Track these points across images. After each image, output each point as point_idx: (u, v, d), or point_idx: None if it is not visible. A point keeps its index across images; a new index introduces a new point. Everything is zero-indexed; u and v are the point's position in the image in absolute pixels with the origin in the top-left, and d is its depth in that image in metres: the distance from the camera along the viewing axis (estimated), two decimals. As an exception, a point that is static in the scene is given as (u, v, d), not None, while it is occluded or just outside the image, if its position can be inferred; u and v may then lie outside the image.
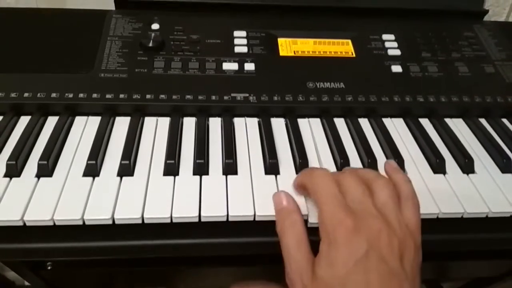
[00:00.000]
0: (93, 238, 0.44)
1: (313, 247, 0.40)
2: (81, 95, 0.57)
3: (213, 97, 0.59)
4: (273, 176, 0.50)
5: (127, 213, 0.44)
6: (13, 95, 0.56)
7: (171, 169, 0.50)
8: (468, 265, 0.73)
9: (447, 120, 0.62)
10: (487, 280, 0.86)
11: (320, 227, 0.40)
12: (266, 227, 0.46)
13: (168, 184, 0.48)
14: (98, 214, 0.44)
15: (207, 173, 0.50)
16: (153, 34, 0.64)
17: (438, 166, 0.53)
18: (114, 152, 0.52)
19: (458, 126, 0.62)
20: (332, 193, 0.40)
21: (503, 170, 0.55)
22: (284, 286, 0.41)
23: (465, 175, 0.53)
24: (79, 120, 0.57)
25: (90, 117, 0.58)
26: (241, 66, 0.63)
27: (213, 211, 0.45)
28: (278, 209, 0.45)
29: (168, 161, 0.50)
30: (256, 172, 0.51)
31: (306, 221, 0.45)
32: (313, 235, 0.41)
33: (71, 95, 0.57)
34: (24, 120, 0.56)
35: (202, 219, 0.45)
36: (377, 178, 0.42)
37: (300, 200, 0.47)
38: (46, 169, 0.49)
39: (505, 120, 0.64)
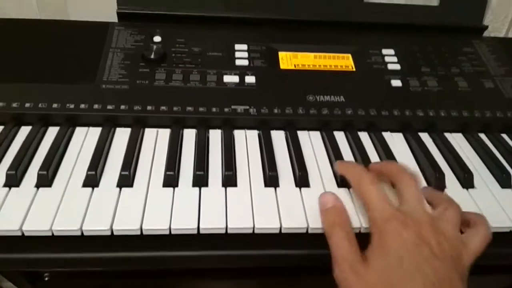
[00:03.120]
0: (91, 249, 0.44)
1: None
2: (82, 106, 0.57)
3: (214, 109, 0.59)
4: (272, 189, 0.50)
5: (126, 224, 0.44)
6: (14, 105, 0.56)
7: (171, 180, 0.50)
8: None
9: (447, 134, 0.62)
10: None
11: (370, 222, 0.42)
12: (265, 240, 0.46)
13: (168, 195, 0.48)
14: (96, 225, 0.44)
15: (206, 185, 0.50)
16: (155, 46, 0.65)
17: (437, 181, 0.53)
18: (114, 163, 0.52)
19: (457, 140, 0.62)
20: (379, 195, 0.43)
21: (503, 185, 0.55)
22: None
23: (465, 189, 0.53)
24: (79, 131, 0.57)
25: (91, 128, 0.58)
26: (242, 79, 0.63)
27: (212, 223, 0.45)
28: (325, 209, 0.45)
29: (167, 173, 0.50)
30: (256, 185, 0.51)
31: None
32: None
33: (72, 106, 0.57)
34: (24, 130, 0.56)
35: (201, 231, 0.45)
36: (451, 203, 0.45)
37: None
38: (45, 179, 0.49)
39: (504, 135, 0.64)
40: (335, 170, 0.52)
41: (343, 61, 0.68)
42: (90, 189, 0.48)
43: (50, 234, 0.44)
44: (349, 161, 0.55)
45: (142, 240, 0.45)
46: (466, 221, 0.45)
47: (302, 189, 0.51)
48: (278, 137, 0.59)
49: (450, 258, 0.38)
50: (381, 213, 0.41)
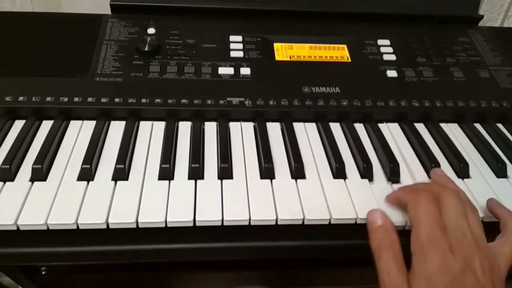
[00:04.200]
0: (87, 242, 0.44)
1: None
2: (76, 99, 0.57)
3: (209, 102, 0.59)
4: (268, 181, 0.50)
5: (122, 218, 0.44)
6: (7, 98, 0.56)
7: (166, 173, 0.50)
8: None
9: (442, 125, 0.62)
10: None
11: (414, 242, 0.40)
12: (262, 232, 0.46)
13: (163, 188, 0.48)
14: (92, 218, 0.44)
15: (202, 178, 0.50)
16: (149, 39, 0.65)
17: (433, 171, 0.53)
18: (109, 157, 0.52)
19: (453, 131, 0.62)
20: (432, 214, 0.41)
21: (498, 175, 0.55)
22: None
23: (460, 180, 0.53)
24: (74, 124, 0.57)
25: (85, 121, 0.57)
26: (237, 71, 0.63)
27: (208, 216, 0.45)
28: (374, 227, 0.44)
29: (163, 166, 0.50)
30: (252, 177, 0.51)
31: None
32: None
33: (66, 99, 0.57)
34: (18, 124, 0.56)
35: (197, 224, 0.45)
36: (468, 205, 0.43)
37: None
38: (40, 173, 0.48)
39: (500, 125, 0.64)
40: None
41: (339, 52, 0.68)
42: (85, 182, 0.48)
43: (45, 228, 0.44)
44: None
45: (138, 233, 0.45)
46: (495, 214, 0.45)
47: (298, 180, 0.51)
48: (274, 129, 0.59)
49: (491, 281, 0.38)
50: (428, 234, 0.40)
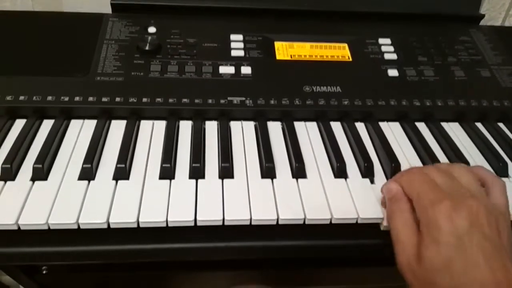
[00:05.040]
0: (88, 242, 0.44)
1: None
2: (77, 98, 0.57)
3: (210, 101, 0.58)
4: (269, 180, 0.50)
5: (123, 217, 0.44)
6: (8, 98, 0.56)
7: (167, 172, 0.50)
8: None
9: (443, 124, 0.62)
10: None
11: (419, 210, 0.41)
12: (263, 231, 0.46)
13: (164, 188, 0.48)
14: (93, 218, 0.44)
15: (203, 177, 0.50)
16: (149, 38, 0.64)
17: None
18: (109, 156, 0.52)
19: (454, 130, 0.62)
20: (427, 180, 0.42)
21: (500, 174, 0.55)
22: None
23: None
24: (74, 124, 0.57)
25: (86, 121, 0.57)
26: (237, 70, 0.63)
27: (209, 215, 0.45)
28: (389, 196, 0.45)
29: (164, 165, 0.50)
30: (253, 176, 0.51)
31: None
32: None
33: (67, 99, 0.57)
34: (19, 123, 0.56)
35: (198, 223, 0.45)
36: (455, 165, 0.45)
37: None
38: (41, 173, 0.48)
39: (501, 124, 0.64)
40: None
41: (340, 51, 0.68)
42: (86, 182, 0.48)
43: (46, 227, 0.43)
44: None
45: (139, 233, 0.45)
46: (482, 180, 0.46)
47: (299, 180, 0.50)
48: (275, 128, 0.58)
49: (498, 236, 0.38)
50: (429, 198, 0.40)
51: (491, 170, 0.55)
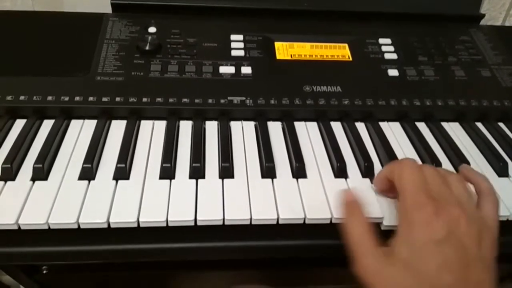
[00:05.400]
0: (88, 242, 0.44)
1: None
2: (77, 98, 0.57)
3: (210, 101, 0.58)
4: (269, 180, 0.50)
5: (123, 217, 0.44)
6: (8, 98, 0.56)
7: (167, 172, 0.50)
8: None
9: (444, 124, 0.62)
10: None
11: (400, 209, 0.41)
12: (263, 231, 0.46)
13: (164, 187, 0.48)
14: (93, 217, 0.44)
15: (203, 177, 0.50)
16: (150, 37, 0.64)
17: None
18: (110, 156, 0.52)
19: (454, 130, 0.62)
20: (417, 179, 0.41)
21: (500, 174, 0.55)
22: None
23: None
24: (75, 123, 0.57)
25: (86, 121, 0.57)
26: (238, 70, 0.63)
27: (209, 215, 0.45)
28: (343, 204, 0.44)
29: (164, 165, 0.50)
30: (253, 176, 0.51)
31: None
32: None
33: (67, 98, 0.57)
34: (19, 123, 0.56)
35: (198, 223, 0.45)
36: (451, 173, 0.44)
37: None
38: (41, 173, 0.48)
39: (501, 124, 0.64)
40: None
41: (340, 51, 0.68)
42: (86, 182, 0.48)
43: (46, 227, 0.43)
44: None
45: (139, 233, 0.45)
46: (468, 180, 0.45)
47: (299, 180, 0.50)
48: (275, 128, 0.58)
49: (477, 247, 0.38)
50: (413, 199, 0.40)
51: (492, 171, 0.55)
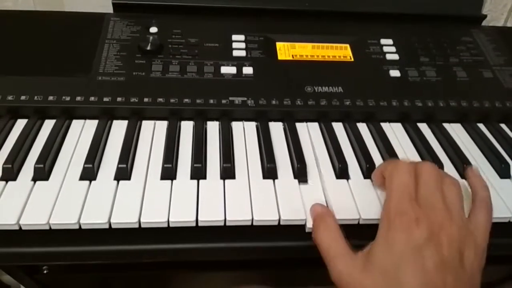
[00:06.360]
0: (89, 242, 0.44)
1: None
2: (78, 98, 0.57)
3: (211, 101, 0.58)
4: (271, 181, 0.50)
5: (124, 217, 0.44)
6: (9, 98, 0.56)
7: (169, 173, 0.49)
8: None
9: (445, 125, 0.62)
10: (486, 285, 0.86)
11: (383, 212, 0.41)
12: (264, 232, 0.46)
13: (165, 188, 0.48)
14: (94, 218, 0.44)
15: (204, 177, 0.50)
16: (151, 38, 0.64)
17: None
18: (111, 156, 0.52)
19: (456, 131, 0.62)
20: (405, 183, 0.41)
21: (502, 176, 0.55)
22: None
23: (464, 180, 0.53)
24: (76, 124, 0.57)
25: (87, 121, 0.57)
26: (239, 70, 0.63)
27: (211, 216, 0.45)
28: (313, 217, 0.45)
29: (165, 165, 0.50)
30: (254, 177, 0.50)
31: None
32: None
33: (68, 98, 0.56)
34: (20, 123, 0.56)
35: (200, 224, 0.45)
36: (449, 176, 0.43)
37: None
38: (42, 173, 0.48)
39: (503, 125, 0.64)
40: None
41: (341, 52, 0.68)
42: (87, 182, 0.48)
43: (47, 228, 0.43)
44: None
45: (140, 233, 0.44)
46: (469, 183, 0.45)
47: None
48: (276, 129, 0.58)
49: (458, 254, 0.37)
50: (396, 204, 0.39)
51: (494, 173, 0.55)
